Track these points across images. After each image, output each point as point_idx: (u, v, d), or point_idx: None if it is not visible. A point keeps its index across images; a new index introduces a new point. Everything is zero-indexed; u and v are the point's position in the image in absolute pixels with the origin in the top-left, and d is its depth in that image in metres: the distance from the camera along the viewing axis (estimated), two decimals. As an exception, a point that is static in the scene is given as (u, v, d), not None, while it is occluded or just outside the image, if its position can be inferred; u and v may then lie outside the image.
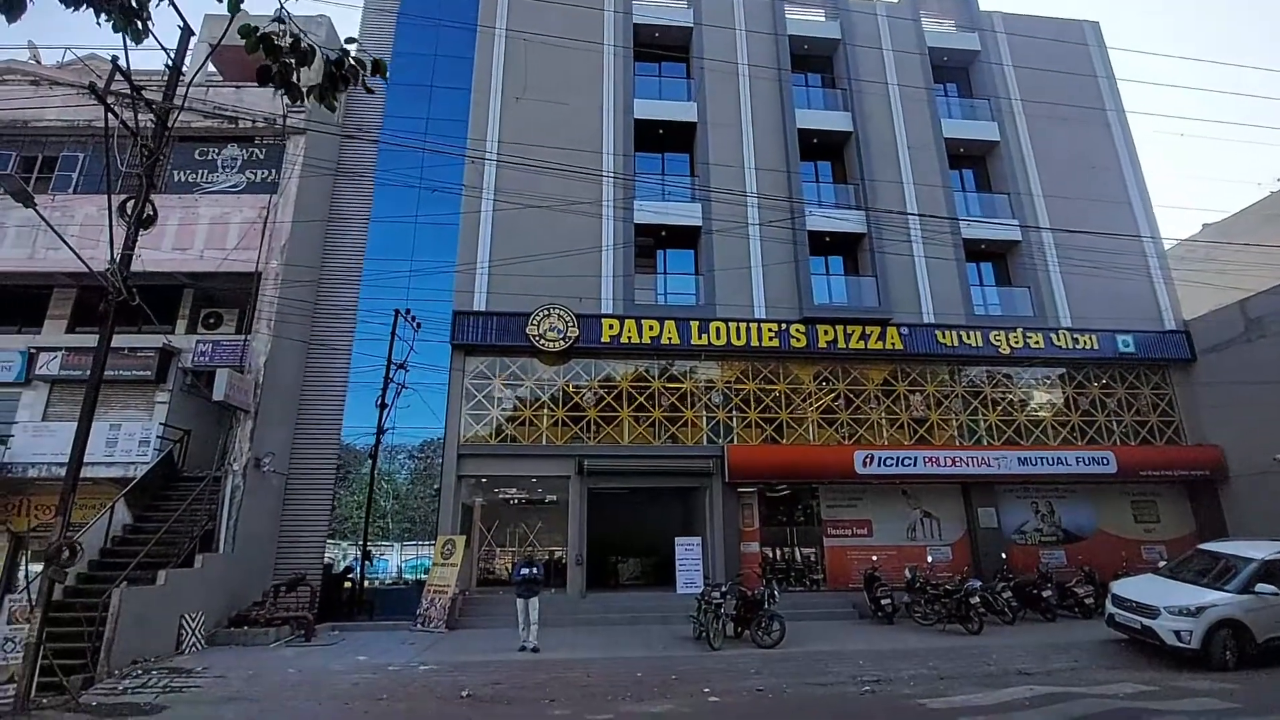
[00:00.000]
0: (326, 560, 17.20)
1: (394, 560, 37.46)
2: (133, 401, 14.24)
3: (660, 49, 18.87)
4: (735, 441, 15.52)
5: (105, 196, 12.96)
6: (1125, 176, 19.13)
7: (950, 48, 19.99)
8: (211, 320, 15.63)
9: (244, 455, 13.20)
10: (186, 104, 11.24)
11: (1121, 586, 11.03)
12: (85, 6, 3.19)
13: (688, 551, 14.78)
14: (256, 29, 3.16)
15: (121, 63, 8.42)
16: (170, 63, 9.81)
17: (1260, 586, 9.56)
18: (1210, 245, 20.35)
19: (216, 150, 15.50)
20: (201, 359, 14.28)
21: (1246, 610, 9.43)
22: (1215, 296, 17.28)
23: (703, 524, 15.29)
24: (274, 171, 15.38)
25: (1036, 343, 16.78)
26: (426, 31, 19.43)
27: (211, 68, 17.96)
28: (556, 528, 16.86)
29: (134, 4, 3.24)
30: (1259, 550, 10.23)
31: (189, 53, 10.64)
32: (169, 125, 9.12)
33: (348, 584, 18.06)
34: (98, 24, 3.28)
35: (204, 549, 12.07)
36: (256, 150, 15.67)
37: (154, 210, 9.40)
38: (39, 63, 16.98)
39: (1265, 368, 15.40)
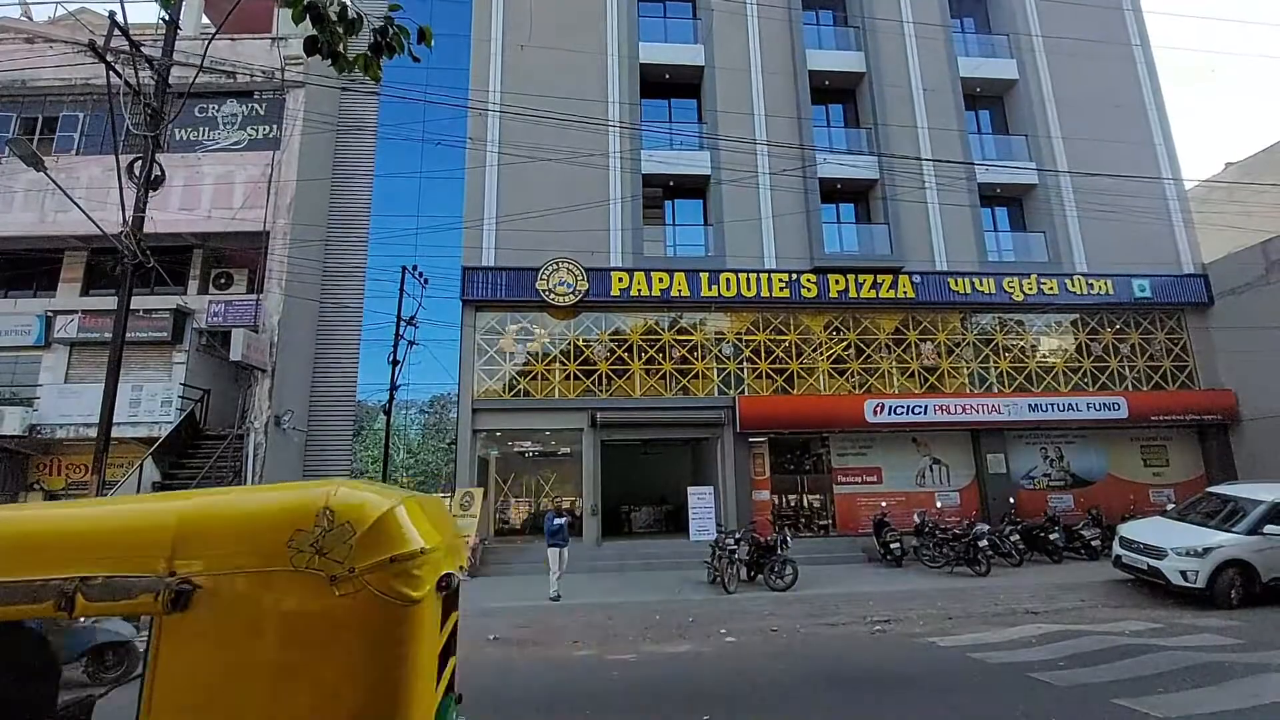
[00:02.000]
0: None
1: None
2: (151, 363, 14.43)
3: (666, -12, 18.17)
4: (746, 392, 15.63)
5: (108, 157, 12.90)
6: (1149, 115, 18.52)
7: (968, -21, 19.15)
8: (223, 280, 15.69)
9: (264, 413, 13.45)
10: (183, 59, 11.03)
11: (1129, 529, 11.22)
12: None
13: (700, 500, 15.07)
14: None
15: (118, 19, 8.25)
16: (165, 16, 9.59)
17: (1269, 528, 9.69)
18: (1233, 185, 19.83)
19: (216, 106, 15.26)
20: (215, 319, 14.42)
21: (1254, 551, 9.58)
22: (1236, 238, 16.95)
23: (714, 473, 15.55)
24: (275, 127, 15.16)
25: (1050, 289, 16.60)
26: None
27: (205, 20, 17.53)
28: (571, 479, 17.22)
29: None
30: (1269, 492, 10.32)
31: (182, 4, 10.38)
32: (173, 83, 8.96)
33: None
34: (162, 18, 3.22)
35: (231, 504, 12.42)
36: (256, 106, 15.41)
37: (161, 171, 9.34)
38: (30, 19, 16.62)
39: (1285, 310, 15.24)
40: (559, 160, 15.30)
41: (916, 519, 14.09)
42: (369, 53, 3.36)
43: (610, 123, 16.00)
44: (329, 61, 3.28)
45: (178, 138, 14.89)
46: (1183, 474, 16.50)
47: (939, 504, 15.67)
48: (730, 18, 17.52)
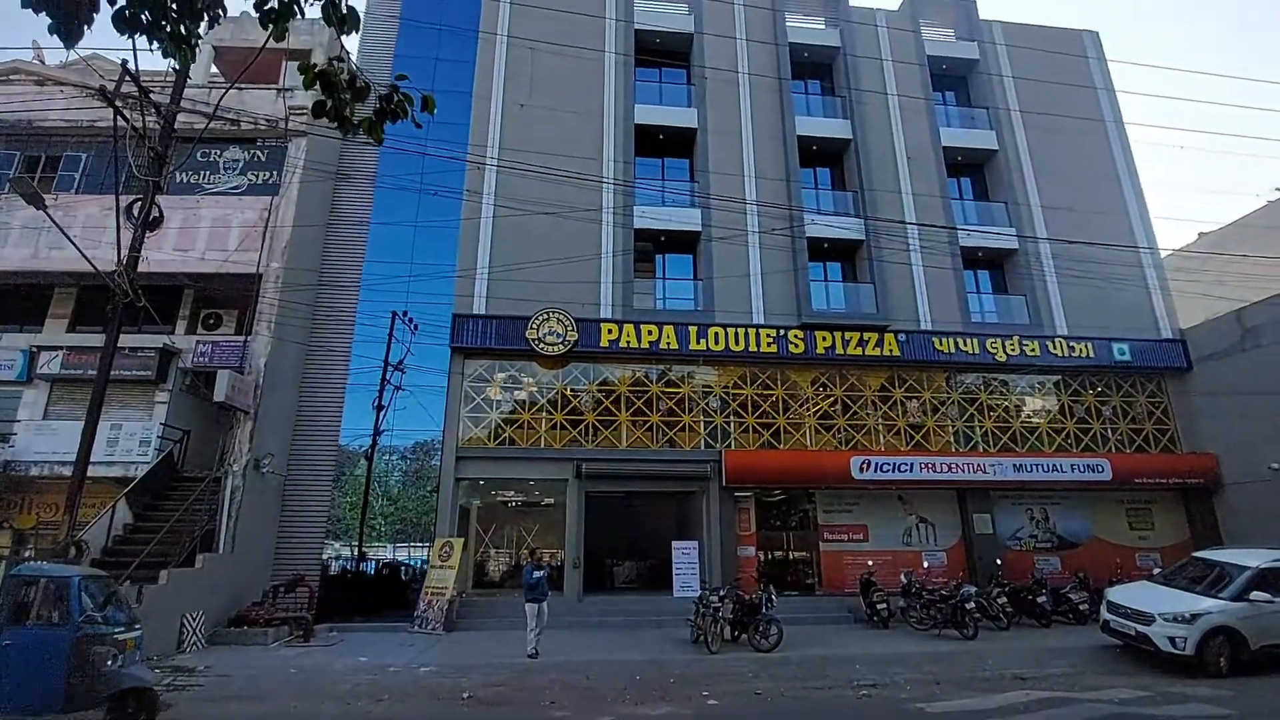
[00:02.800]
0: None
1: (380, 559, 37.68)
2: (133, 401, 14.24)
3: (661, 55, 18.97)
4: (733, 446, 15.59)
5: (107, 197, 13.05)
6: (1123, 186, 19.28)
7: (949, 56, 20.12)
8: (211, 321, 15.66)
9: (244, 456, 13.22)
10: (190, 105, 11.31)
11: (1116, 593, 11.13)
12: (139, 34, 3.30)
13: (684, 555, 14.82)
14: (314, 66, 3.27)
15: (130, 66, 8.50)
16: (175, 65, 9.88)
17: (1255, 594, 9.65)
18: (1206, 255, 20.53)
19: (219, 151, 15.54)
20: (201, 359, 14.31)
21: (1241, 617, 9.52)
22: (1212, 305, 17.43)
23: (699, 528, 15.35)
24: (275, 173, 15.42)
25: (1033, 350, 16.88)
26: (428, 35, 19.53)
27: (214, 69, 18.06)
28: (553, 530, 16.92)
29: (184, 31, 3.35)
30: (1254, 558, 10.33)
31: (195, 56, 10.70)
32: (179, 128, 9.17)
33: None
34: (150, 50, 3.39)
35: (204, 549, 12.10)
36: (258, 152, 15.71)
37: (160, 212, 9.46)
38: (43, 63, 17.03)
39: (1261, 377, 15.53)
40: (553, 214, 15.63)
41: (903, 579, 13.90)
42: (373, 117, 3.51)
43: (605, 180, 16.43)
44: (335, 124, 3.42)
45: (178, 180, 15.08)
46: (1168, 537, 16.48)
47: (925, 564, 15.50)
48: (723, 85, 18.28)
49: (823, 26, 19.99)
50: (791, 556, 16.08)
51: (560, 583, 14.38)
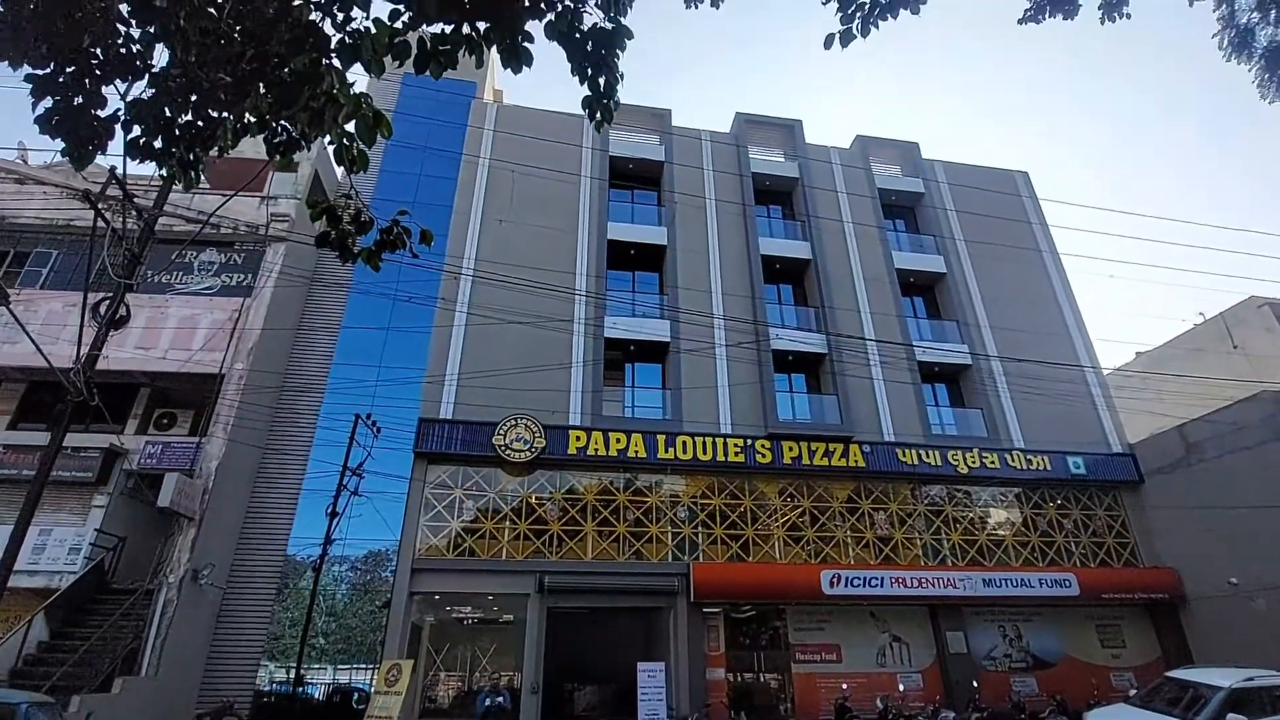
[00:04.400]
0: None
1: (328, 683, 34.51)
2: (67, 504, 13.41)
3: (634, 179, 20.27)
4: (700, 558, 15.20)
5: (72, 293, 12.99)
6: (1063, 309, 20.60)
7: (897, 189, 21.90)
8: (165, 421, 15.17)
9: (181, 566, 12.40)
10: (173, 210, 11.56)
11: (1096, 717, 10.79)
12: (148, 160, 3.51)
13: (651, 679, 13.96)
14: (320, 201, 3.53)
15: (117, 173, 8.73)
16: (162, 173, 10.18)
17: (1231, 716, 9.45)
18: (1145, 374, 21.72)
19: (194, 254, 15.69)
20: (149, 461, 13.71)
21: (1220, 743, 9.26)
22: (1155, 421, 18.21)
23: (666, 648, 14.60)
24: (250, 276, 15.57)
25: (992, 463, 17.23)
26: (412, 154, 20.62)
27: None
28: (510, 650, 15.94)
29: (191, 158, 3.58)
30: (1225, 678, 10.19)
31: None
32: (159, 231, 9.31)
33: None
34: (159, 175, 3.60)
35: (126, 670, 11.01)
36: (235, 255, 15.92)
37: (127, 310, 9.40)
38: (26, 163, 17.36)
39: (1209, 491, 15.97)
40: (526, 323, 15.94)
41: (879, 704, 13.28)
42: (372, 247, 3.75)
43: (577, 291, 16.96)
44: (335, 253, 3.63)
45: (149, 279, 15.09)
46: (1140, 655, 16.21)
47: (901, 686, 14.89)
48: (691, 209, 19.48)
49: (782, 160, 21.73)
50: (763, 679, 15.29)
51: (517, 711, 13.33)
